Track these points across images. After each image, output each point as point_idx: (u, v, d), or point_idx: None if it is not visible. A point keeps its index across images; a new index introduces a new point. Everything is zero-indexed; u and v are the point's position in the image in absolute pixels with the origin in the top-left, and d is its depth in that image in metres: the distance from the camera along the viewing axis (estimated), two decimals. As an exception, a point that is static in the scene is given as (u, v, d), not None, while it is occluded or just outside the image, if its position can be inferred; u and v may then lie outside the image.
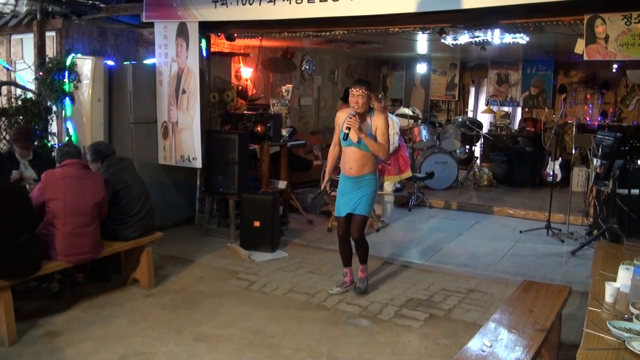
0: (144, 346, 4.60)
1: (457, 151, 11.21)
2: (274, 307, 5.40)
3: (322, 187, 5.89)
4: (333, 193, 5.90)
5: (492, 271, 6.43)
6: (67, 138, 7.19)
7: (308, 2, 6.26)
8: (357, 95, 5.31)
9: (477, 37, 7.57)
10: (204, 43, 7.72)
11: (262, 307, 5.40)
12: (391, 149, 7.84)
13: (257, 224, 6.95)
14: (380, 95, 8.00)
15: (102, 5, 7.47)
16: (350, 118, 5.24)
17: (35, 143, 6.57)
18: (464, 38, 7.72)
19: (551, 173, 8.60)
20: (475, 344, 3.30)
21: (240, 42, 9.19)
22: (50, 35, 7.53)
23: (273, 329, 4.90)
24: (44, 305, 5.33)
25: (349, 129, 5.24)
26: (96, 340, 4.67)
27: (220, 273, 6.32)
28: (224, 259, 6.77)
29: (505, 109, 13.41)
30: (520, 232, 7.99)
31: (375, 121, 5.40)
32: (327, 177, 5.80)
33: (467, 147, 12.07)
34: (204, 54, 7.79)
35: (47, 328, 4.89)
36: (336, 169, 5.80)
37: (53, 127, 7.31)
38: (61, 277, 5.54)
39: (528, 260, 6.85)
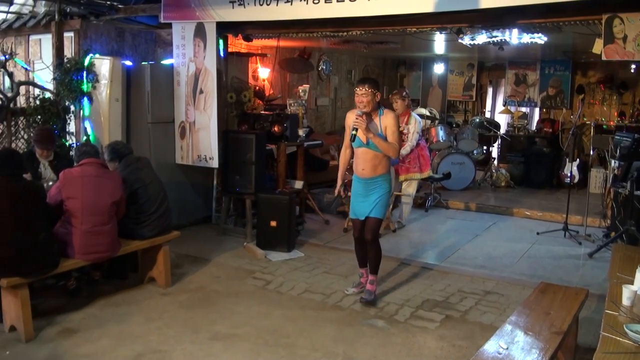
0: (160, 344, 4.63)
1: (475, 152, 11.16)
2: (290, 306, 5.40)
3: (337, 193, 5.75)
4: (349, 194, 5.79)
5: (509, 273, 6.40)
6: (85, 137, 7.25)
7: (325, 2, 6.26)
8: (360, 94, 5.21)
9: (495, 37, 7.53)
10: (221, 43, 7.74)
11: (278, 306, 5.41)
12: (408, 148, 7.87)
13: (273, 223, 6.97)
14: (404, 93, 8.02)
15: (120, 6, 7.51)
16: (357, 118, 5.16)
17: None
18: (481, 38, 7.68)
19: (569, 174, 8.52)
20: (491, 346, 3.29)
21: (258, 43, 9.20)
22: (68, 35, 7.59)
23: (289, 329, 4.91)
24: (61, 302, 5.38)
25: (356, 129, 5.17)
26: (113, 338, 4.71)
27: (236, 272, 6.34)
28: (240, 259, 6.79)
29: (523, 109, 13.32)
30: (538, 233, 7.94)
31: (385, 120, 5.27)
32: (340, 181, 5.69)
33: (485, 147, 12.02)
34: (222, 54, 7.81)
35: (64, 325, 4.94)
36: (349, 171, 5.71)
37: (71, 127, 7.37)
38: (78, 275, 5.60)
39: (545, 262, 6.80)
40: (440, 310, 5.33)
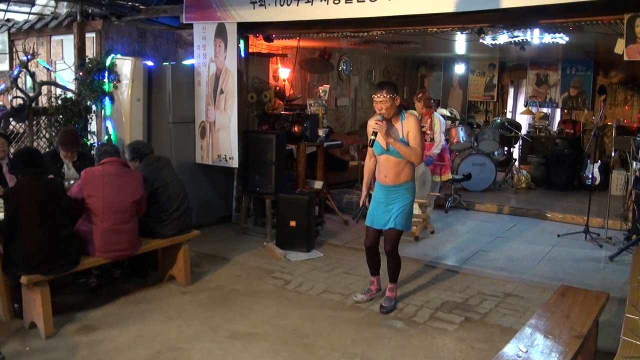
0: (179, 342, 4.66)
1: (495, 153, 11.09)
2: (309, 306, 5.41)
3: (361, 203, 5.45)
4: None
5: (529, 275, 6.34)
6: (106, 137, 7.32)
7: (345, 2, 6.26)
8: (379, 101, 4.97)
9: (516, 37, 7.49)
10: (242, 44, 7.77)
11: (297, 306, 5.42)
12: (439, 148, 7.91)
13: (293, 223, 6.98)
14: (431, 101, 8.01)
15: (141, 7, 7.57)
16: (377, 122, 4.94)
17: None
18: (503, 38, 7.65)
19: (590, 176, 8.44)
20: (511, 349, 3.27)
21: (278, 43, 9.24)
22: (90, 36, 7.67)
23: (307, 329, 4.92)
24: (81, 300, 5.44)
25: (376, 134, 4.97)
26: (132, 335, 4.75)
27: (255, 272, 6.36)
28: (259, 258, 6.81)
29: (544, 110, 13.23)
30: (558, 235, 7.86)
31: (407, 125, 5.04)
32: (364, 191, 5.45)
33: (505, 148, 11.93)
34: (242, 54, 7.84)
35: (84, 322, 4.99)
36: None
37: (92, 126, 7.45)
38: (99, 272, 5.65)
39: (565, 264, 6.74)
40: (460, 312, 5.31)
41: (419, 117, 7.44)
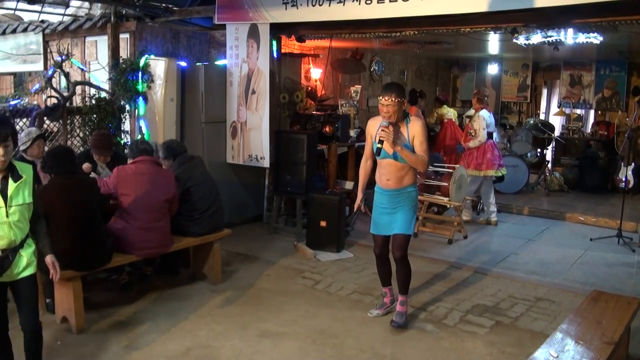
0: (209, 340, 4.70)
1: (528, 154, 10.97)
2: (338, 307, 5.42)
3: (356, 208, 5.23)
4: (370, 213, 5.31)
5: (560, 279, 6.26)
6: (139, 136, 7.41)
7: (378, 2, 6.24)
8: (386, 104, 4.62)
9: (550, 36, 7.40)
10: (274, 44, 7.79)
11: (327, 306, 5.43)
12: (476, 143, 8.11)
13: (323, 223, 6.99)
14: (485, 98, 8.05)
15: (175, 8, 7.65)
16: (383, 129, 4.60)
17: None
18: (536, 38, 7.56)
19: (623, 179, 8.31)
20: (541, 354, 3.25)
21: (310, 43, 9.25)
22: (124, 37, 7.77)
23: (337, 329, 4.92)
24: (113, 296, 5.53)
25: (382, 142, 4.61)
26: (163, 332, 4.81)
27: (286, 271, 6.39)
28: (290, 258, 6.84)
29: (578, 111, 13.03)
30: (591, 239, 7.73)
31: (412, 129, 4.73)
32: (360, 195, 5.19)
33: (538, 150, 11.79)
34: (275, 55, 7.86)
35: (115, 318, 5.07)
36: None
37: (126, 126, 7.55)
38: (131, 269, 5.73)
39: (598, 269, 6.63)
40: (491, 316, 5.26)
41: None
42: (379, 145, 4.62)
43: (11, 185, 3.41)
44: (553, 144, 11.85)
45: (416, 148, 4.72)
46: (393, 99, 4.59)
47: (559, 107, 13.02)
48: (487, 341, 4.76)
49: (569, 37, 7.46)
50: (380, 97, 4.68)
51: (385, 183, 4.92)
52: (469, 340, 4.77)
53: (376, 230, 5.07)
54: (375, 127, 4.82)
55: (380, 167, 4.94)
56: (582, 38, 7.65)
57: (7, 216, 3.39)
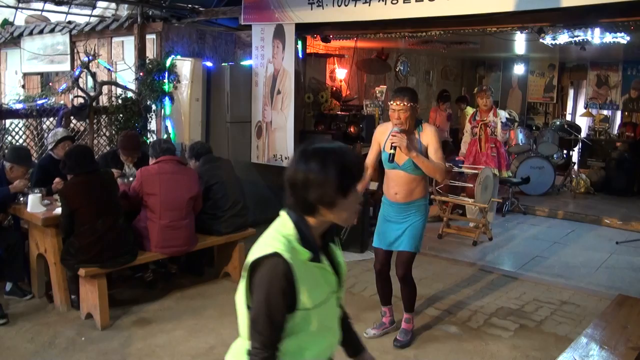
0: (232, 338, 4.65)
1: (555, 156, 10.86)
2: (361, 307, 5.41)
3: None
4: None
5: (586, 283, 6.20)
6: (165, 136, 7.47)
7: (404, 2, 6.22)
8: (398, 109, 4.28)
9: (577, 36, 7.33)
10: (300, 44, 7.80)
11: (350, 307, 5.34)
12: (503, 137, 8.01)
13: (347, 224, 6.96)
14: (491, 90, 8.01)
15: (201, 9, 7.70)
16: (394, 135, 4.26)
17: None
18: (563, 38, 7.49)
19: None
20: (566, 359, 3.21)
21: (336, 44, 9.27)
22: (150, 37, 7.84)
23: (359, 330, 4.88)
24: (138, 293, 5.60)
25: (395, 148, 4.28)
26: (186, 330, 4.85)
27: (309, 271, 6.38)
28: (313, 258, 6.82)
29: (605, 112, 12.88)
30: (617, 243, 7.64)
31: (425, 137, 4.40)
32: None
33: (565, 151, 11.67)
34: (300, 55, 7.87)
35: (139, 315, 5.13)
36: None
37: (152, 125, 7.62)
38: (155, 267, 5.80)
39: (623, 273, 6.55)
40: (515, 319, 5.22)
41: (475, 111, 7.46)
42: (392, 152, 4.31)
43: None
44: (579, 145, 11.73)
45: (431, 156, 4.37)
46: (405, 104, 4.27)
47: (585, 108, 12.90)
48: (511, 344, 4.73)
49: (596, 36, 7.38)
50: (392, 102, 4.36)
51: (392, 196, 4.54)
52: (493, 344, 4.74)
53: (379, 243, 4.66)
54: (384, 134, 4.49)
55: (387, 178, 4.57)
56: (609, 38, 7.56)
57: None
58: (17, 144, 6.58)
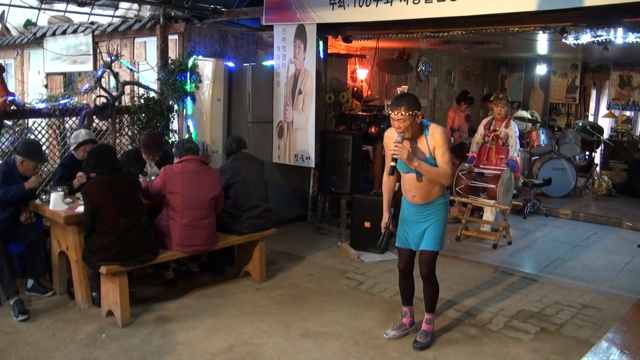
0: (252, 337, 4.75)
1: (577, 157, 10.75)
2: (381, 308, 5.42)
3: (384, 228, 4.80)
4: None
5: (607, 286, 6.13)
6: (187, 135, 7.53)
7: (425, 2, 6.22)
8: (396, 119, 4.22)
9: (600, 36, 7.26)
10: (321, 45, 7.81)
11: (369, 307, 5.43)
12: (517, 151, 7.75)
13: (367, 224, 6.98)
14: (508, 99, 7.82)
15: (223, 9, 7.75)
16: (396, 145, 4.20)
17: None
18: (585, 37, 7.43)
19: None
20: (586, 364, 3.19)
21: (357, 44, 9.26)
22: (172, 38, 7.90)
23: (379, 331, 4.92)
24: (158, 291, 5.65)
25: (396, 160, 4.25)
26: (207, 328, 4.89)
27: (329, 271, 6.41)
28: (333, 258, 6.85)
29: (627, 113, 12.72)
30: (639, 246, 7.54)
31: (433, 140, 4.33)
32: (386, 214, 4.80)
33: (587, 153, 11.55)
34: (321, 55, 7.89)
35: (160, 313, 5.18)
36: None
37: (174, 125, 7.68)
38: (176, 266, 5.85)
39: (646, 276, 6.49)
40: (535, 322, 5.19)
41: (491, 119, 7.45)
42: (393, 164, 4.29)
43: None
44: (602, 146, 11.62)
45: (438, 159, 4.33)
46: (403, 113, 4.18)
47: (608, 108, 12.76)
48: (532, 348, 4.70)
49: (619, 36, 7.30)
50: (390, 112, 4.30)
51: (411, 198, 4.55)
52: (513, 347, 4.71)
53: (402, 243, 4.71)
54: (392, 139, 4.33)
55: (404, 181, 4.57)
56: (632, 38, 7.48)
57: None
58: (31, 138, 6.63)
